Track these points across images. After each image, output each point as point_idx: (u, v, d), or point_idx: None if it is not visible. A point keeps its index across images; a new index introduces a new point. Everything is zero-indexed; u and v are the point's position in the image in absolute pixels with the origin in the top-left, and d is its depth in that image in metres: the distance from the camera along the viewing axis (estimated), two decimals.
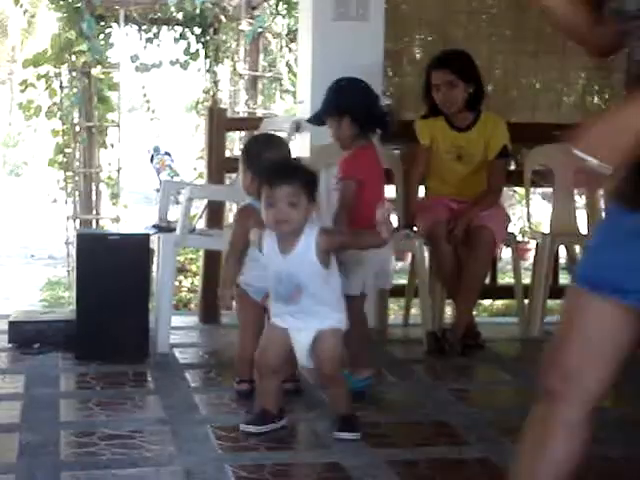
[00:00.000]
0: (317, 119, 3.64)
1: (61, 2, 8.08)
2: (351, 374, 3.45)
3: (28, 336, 4.14)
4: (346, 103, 3.52)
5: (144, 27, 9.09)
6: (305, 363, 3.10)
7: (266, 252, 3.04)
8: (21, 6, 8.86)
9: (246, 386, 3.47)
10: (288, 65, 9.11)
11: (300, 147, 4.71)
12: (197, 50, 9.06)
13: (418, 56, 5.23)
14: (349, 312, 3.20)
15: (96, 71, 8.19)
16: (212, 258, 4.87)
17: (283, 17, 9.23)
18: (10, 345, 4.13)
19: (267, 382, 3.12)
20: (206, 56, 9.13)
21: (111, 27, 8.67)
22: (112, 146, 8.67)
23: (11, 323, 4.18)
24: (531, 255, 5.35)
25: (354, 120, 3.49)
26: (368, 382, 3.54)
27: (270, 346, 3.10)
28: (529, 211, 5.09)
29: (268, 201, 2.95)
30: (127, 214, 8.75)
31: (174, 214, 4.92)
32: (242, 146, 3.19)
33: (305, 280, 2.99)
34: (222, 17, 8.75)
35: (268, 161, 3.20)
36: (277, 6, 9.03)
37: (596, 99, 5.49)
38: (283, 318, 3.08)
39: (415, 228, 4.37)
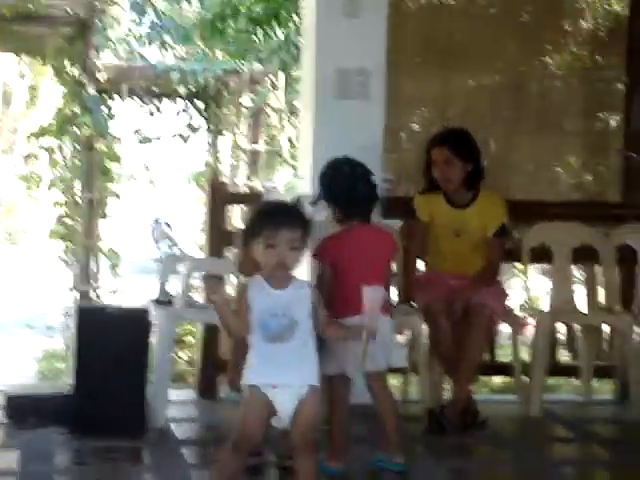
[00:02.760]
0: (313, 202, 3.70)
1: (65, 77, 8.20)
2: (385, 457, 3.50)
3: (24, 410, 4.11)
4: (328, 192, 3.64)
5: (146, 100, 9.22)
6: (287, 424, 2.97)
7: (254, 294, 2.97)
8: (25, 80, 8.99)
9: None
10: (289, 140, 9.21)
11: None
12: (199, 124, 9.17)
13: (417, 133, 5.31)
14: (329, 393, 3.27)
15: (99, 144, 8.27)
16: (211, 332, 4.86)
17: (285, 93, 9.36)
18: (6, 420, 4.10)
19: (235, 459, 2.97)
20: (208, 129, 9.24)
21: (113, 99, 8.79)
22: (112, 217, 8.71)
23: (7, 397, 4.16)
24: (530, 331, 5.34)
25: (338, 207, 3.61)
26: (402, 468, 3.52)
27: (253, 415, 2.95)
28: (527, 288, 5.11)
29: (269, 242, 2.95)
30: (126, 285, 8.75)
31: (174, 286, 4.94)
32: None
33: (300, 315, 2.96)
34: (224, 91, 8.88)
35: (269, 202, 3.21)
36: (278, 81, 9.16)
37: (592, 178, 5.55)
38: (264, 370, 2.94)
39: (414, 303, 4.37)
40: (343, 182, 3.63)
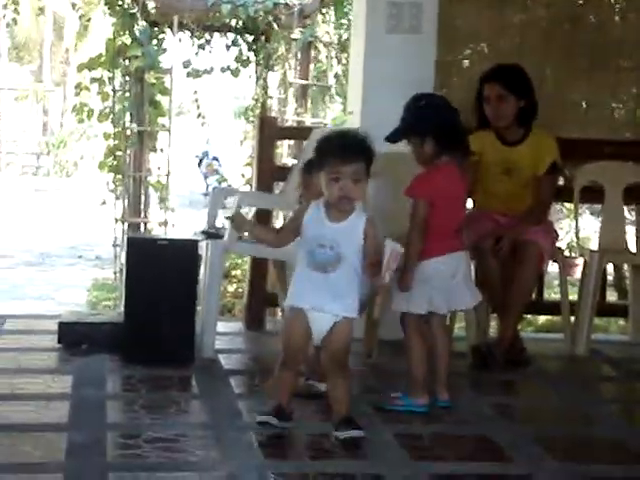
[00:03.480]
0: (395, 137, 3.65)
1: (117, 8, 8.19)
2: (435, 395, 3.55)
3: (77, 337, 4.21)
4: (429, 124, 3.54)
5: (197, 33, 9.18)
6: (319, 343, 3.14)
7: (310, 218, 3.08)
8: (77, 10, 9.00)
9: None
10: (336, 76, 9.14)
11: None
12: (248, 57, 9.13)
13: (468, 69, 5.23)
14: (408, 328, 3.38)
15: (148, 76, 8.28)
16: (258, 265, 4.91)
17: (335, 27, 9.26)
18: (59, 345, 4.20)
19: (287, 373, 3.14)
20: (257, 63, 9.19)
21: (164, 33, 8.77)
22: (162, 150, 8.77)
23: (60, 324, 4.25)
24: (578, 271, 5.31)
25: (437, 140, 3.53)
26: (446, 405, 3.57)
27: (296, 332, 3.11)
28: (578, 227, 5.06)
29: (334, 175, 3.00)
30: (174, 218, 8.84)
31: (222, 220, 4.97)
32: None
33: (348, 251, 3.03)
34: (274, 25, 8.81)
35: (334, 133, 3.20)
36: (329, 15, 9.06)
37: None
38: (306, 295, 3.07)
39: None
40: (444, 115, 3.55)
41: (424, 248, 3.49)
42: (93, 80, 8.41)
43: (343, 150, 3.03)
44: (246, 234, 4.82)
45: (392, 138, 3.66)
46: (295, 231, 3.16)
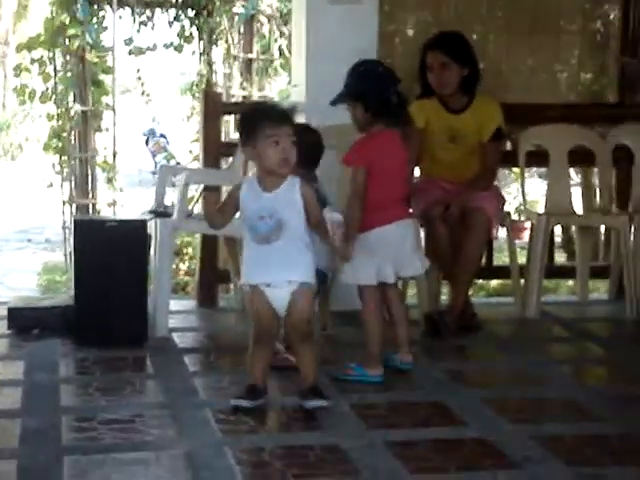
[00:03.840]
0: (334, 101, 3.68)
1: None
2: (394, 354, 3.62)
3: (27, 322, 4.17)
4: (359, 89, 3.57)
5: (137, 10, 9.06)
6: (282, 316, 3.17)
7: (245, 195, 3.10)
8: None
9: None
10: (280, 49, 9.09)
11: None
12: (191, 33, 9.04)
13: (411, 38, 5.23)
14: (364, 300, 3.42)
15: (90, 55, 8.16)
16: (209, 242, 4.89)
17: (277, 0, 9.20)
18: (9, 331, 4.16)
19: (261, 351, 3.18)
20: (200, 39, 9.11)
21: (104, 10, 8.64)
22: (107, 130, 8.66)
23: (10, 309, 4.21)
24: (527, 235, 5.38)
25: (365, 106, 3.54)
26: (409, 367, 3.64)
27: (261, 308, 3.14)
28: (524, 192, 5.11)
29: (274, 139, 3.01)
30: (123, 198, 8.75)
31: (171, 198, 4.94)
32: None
33: (287, 216, 3.06)
34: None
35: (262, 103, 3.24)
36: None
37: (589, 77, 5.49)
38: (257, 270, 3.11)
39: (410, 209, 4.38)
40: (377, 82, 3.56)
41: (368, 218, 3.49)
42: (33, 61, 8.28)
43: (278, 114, 3.07)
44: (195, 211, 4.81)
45: (333, 102, 3.68)
46: (232, 209, 3.19)
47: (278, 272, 3.09)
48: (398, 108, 3.57)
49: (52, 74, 8.26)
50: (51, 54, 8.21)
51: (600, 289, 5.52)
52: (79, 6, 8.00)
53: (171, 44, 9.13)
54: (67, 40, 8.09)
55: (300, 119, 4.60)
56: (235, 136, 8.16)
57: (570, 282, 6.62)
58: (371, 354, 3.54)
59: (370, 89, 3.54)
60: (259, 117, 3.07)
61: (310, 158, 3.64)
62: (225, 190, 6.00)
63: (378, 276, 3.53)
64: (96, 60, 8.33)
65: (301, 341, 3.16)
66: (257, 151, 3.06)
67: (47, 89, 8.35)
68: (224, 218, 3.23)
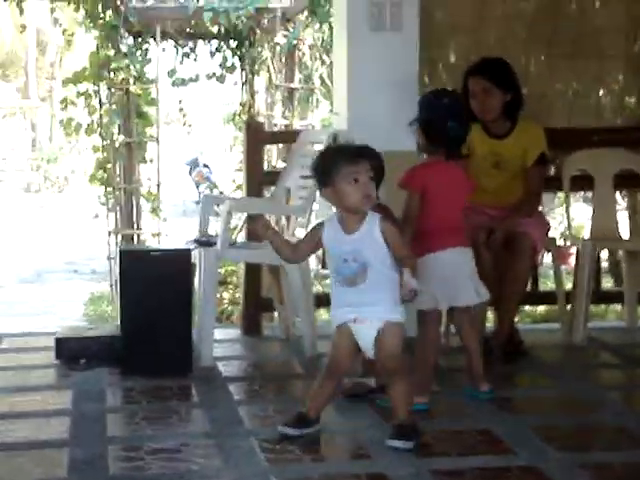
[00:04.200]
0: (411, 123, 3.75)
1: (99, 21, 8.19)
2: (472, 387, 3.63)
3: (74, 352, 4.21)
4: (422, 117, 3.66)
5: (180, 42, 9.19)
6: (370, 355, 3.16)
7: (328, 237, 3.10)
8: (60, 25, 9.00)
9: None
10: (321, 77, 9.15)
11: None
12: (233, 63, 9.13)
13: (452, 63, 5.24)
14: (418, 325, 3.43)
15: (134, 87, 8.28)
16: (253, 271, 4.91)
17: (317, 29, 9.27)
18: (57, 361, 4.20)
19: (327, 385, 3.17)
20: (242, 69, 9.20)
21: (148, 43, 8.78)
22: (151, 161, 8.76)
23: (57, 339, 4.25)
24: (573, 260, 5.32)
25: (426, 134, 3.62)
26: (489, 396, 3.62)
27: (341, 347, 3.15)
28: (569, 217, 5.07)
29: (354, 176, 3.02)
30: (167, 228, 8.84)
31: (214, 227, 4.97)
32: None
33: (370, 258, 3.05)
34: (257, 30, 8.81)
35: (336, 144, 3.23)
36: (311, 18, 9.07)
37: (634, 101, 5.45)
38: (343, 311, 3.12)
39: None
40: (439, 112, 3.62)
41: (424, 243, 3.52)
42: (79, 94, 8.42)
43: (353, 151, 3.07)
44: (239, 240, 4.83)
45: (410, 123, 3.76)
46: (311, 249, 3.22)
47: (364, 311, 3.08)
48: (454, 141, 3.61)
49: (97, 107, 8.39)
50: (96, 87, 8.35)
51: None
52: (123, 40, 8.12)
53: (213, 75, 9.23)
54: (112, 73, 8.22)
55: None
56: (279, 164, 8.21)
57: (618, 307, 6.53)
58: (419, 380, 3.52)
59: (430, 118, 3.61)
60: (335, 157, 3.07)
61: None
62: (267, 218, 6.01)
63: (431, 302, 3.52)
64: (140, 92, 8.45)
65: (391, 377, 3.13)
66: (336, 191, 3.05)
67: (92, 121, 8.49)
68: (298, 254, 3.22)
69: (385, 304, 3.09)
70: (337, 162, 3.05)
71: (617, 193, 5.16)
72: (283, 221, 5.30)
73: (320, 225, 3.17)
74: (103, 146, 8.45)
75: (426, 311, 3.53)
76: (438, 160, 3.62)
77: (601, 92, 5.37)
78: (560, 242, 7.18)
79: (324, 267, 8.17)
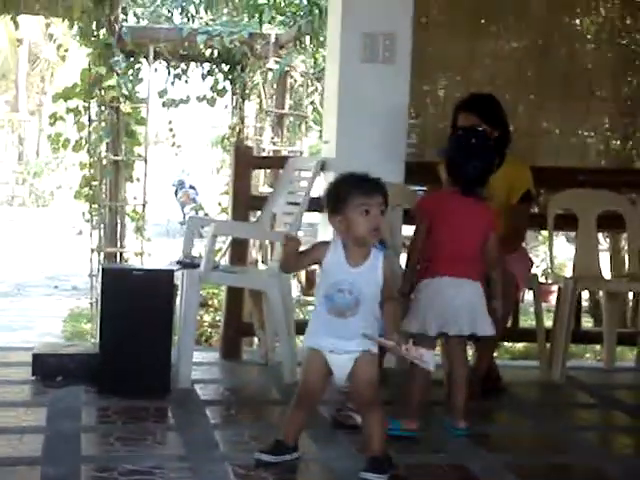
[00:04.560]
0: (439, 154, 3.87)
1: (92, 38, 8.20)
2: (450, 421, 3.61)
3: (51, 369, 4.17)
4: (446, 152, 3.73)
5: (172, 63, 9.22)
6: (341, 383, 3.16)
7: (330, 261, 3.09)
8: (54, 41, 9.01)
9: None
10: (312, 104, 9.19)
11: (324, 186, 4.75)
12: (224, 87, 9.17)
13: (442, 98, 5.28)
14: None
15: (125, 106, 8.29)
16: (235, 294, 4.90)
17: (310, 57, 9.32)
18: (33, 377, 4.17)
19: (300, 412, 3.16)
20: (233, 93, 9.23)
21: (140, 63, 8.80)
22: (138, 180, 8.75)
23: (35, 355, 4.22)
24: (554, 298, 5.34)
25: (448, 169, 3.70)
26: (465, 433, 3.60)
27: (313, 372, 3.13)
28: (552, 255, 5.10)
29: (365, 208, 3.03)
30: (151, 247, 8.81)
31: (198, 249, 4.97)
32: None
33: (366, 293, 3.06)
34: (250, 55, 8.86)
35: (352, 173, 3.21)
36: (303, 45, 9.12)
37: (619, 143, 5.50)
38: (323, 338, 3.09)
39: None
40: (464, 151, 3.67)
41: (426, 269, 3.59)
42: (69, 110, 8.41)
43: (369, 183, 3.08)
44: (222, 263, 4.83)
45: (437, 153, 3.89)
46: (310, 262, 3.22)
47: (344, 343, 3.07)
48: (472, 182, 3.65)
49: (86, 123, 8.38)
50: (86, 104, 8.34)
51: (627, 356, 5.46)
52: (116, 58, 8.14)
53: (204, 97, 9.27)
54: (103, 91, 8.22)
55: (329, 176, 4.65)
56: (265, 189, 8.22)
57: (597, 347, 6.56)
58: (408, 406, 3.54)
59: (454, 156, 3.68)
60: (351, 186, 3.08)
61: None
62: (252, 244, 6.02)
63: (420, 326, 3.53)
64: (130, 111, 8.45)
65: (366, 408, 3.11)
66: (346, 220, 3.06)
67: (81, 138, 8.47)
68: (298, 266, 3.31)
69: (360, 338, 3.07)
70: (351, 192, 3.05)
71: (600, 234, 5.19)
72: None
73: (325, 244, 3.15)
74: (90, 163, 8.43)
75: (415, 335, 3.52)
76: (452, 192, 3.66)
77: (587, 133, 5.43)
78: (542, 279, 7.23)
79: (305, 294, 8.18)
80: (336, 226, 3.11)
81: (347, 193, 3.06)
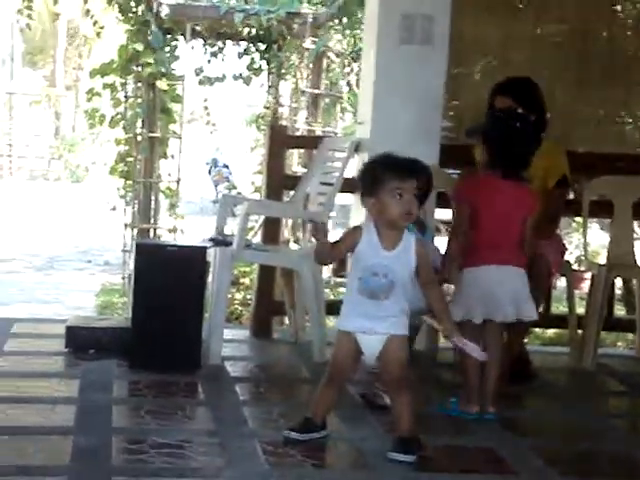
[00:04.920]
0: (471, 134, 3.81)
1: (130, 15, 8.23)
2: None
3: (84, 341, 4.22)
4: (489, 134, 3.65)
5: (209, 41, 9.22)
6: (372, 363, 3.18)
7: (363, 246, 3.09)
8: (92, 17, 9.05)
9: None
10: (349, 84, 9.16)
11: (358, 167, 4.75)
12: (260, 66, 9.16)
13: (479, 81, 5.25)
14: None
15: (161, 83, 8.32)
16: (266, 273, 4.92)
17: (346, 37, 9.29)
18: (66, 350, 4.22)
19: (329, 390, 3.18)
20: (269, 72, 9.22)
21: (177, 40, 8.81)
22: (172, 157, 8.79)
23: (68, 328, 4.27)
24: (587, 285, 5.30)
25: (489, 152, 3.62)
26: (493, 418, 3.60)
27: (343, 353, 3.16)
28: (586, 242, 5.06)
29: (398, 191, 3.03)
30: (183, 224, 8.86)
31: (231, 227, 4.99)
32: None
33: (400, 278, 3.07)
34: (287, 34, 8.84)
35: (389, 154, 3.20)
36: (341, 26, 9.09)
37: None
38: (355, 320, 3.11)
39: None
40: (508, 135, 3.63)
41: (471, 257, 3.55)
42: (105, 86, 8.45)
43: (404, 167, 3.08)
44: (254, 241, 4.84)
45: (468, 134, 3.83)
46: (346, 250, 3.17)
47: (376, 324, 3.09)
48: (515, 165, 3.61)
49: (122, 100, 8.43)
50: (123, 80, 8.38)
51: None
52: (153, 35, 8.16)
53: (240, 76, 9.26)
54: (139, 67, 8.25)
55: (363, 157, 4.65)
56: (299, 169, 8.23)
57: (629, 336, 6.51)
58: (466, 391, 3.58)
59: (497, 139, 3.61)
60: (385, 169, 3.08)
61: (420, 198, 3.70)
62: (285, 223, 6.02)
63: (466, 313, 3.54)
64: (166, 88, 8.48)
65: (396, 389, 3.14)
66: (379, 202, 3.06)
67: (117, 114, 8.52)
68: (334, 255, 3.21)
69: (397, 318, 3.10)
70: (386, 174, 3.05)
71: (635, 222, 5.14)
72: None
73: (358, 229, 3.15)
74: (125, 139, 8.48)
75: (461, 322, 3.53)
76: (493, 176, 3.61)
77: (626, 119, 5.37)
78: (575, 266, 7.17)
79: (336, 275, 8.18)
80: (369, 208, 3.12)
81: (381, 176, 3.06)
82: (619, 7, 5.37)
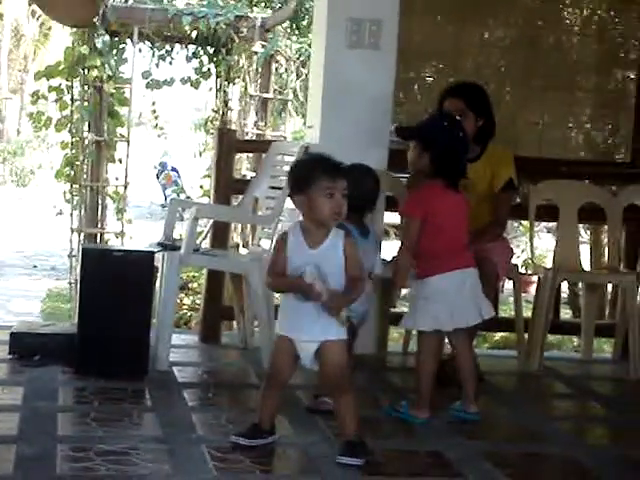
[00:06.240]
0: (404, 134, 3.76)
1: None
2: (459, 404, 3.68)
3: (29, 348, 4.15)
4: (436, 140, 3.59)
5: (157, 44, 9.14)
6: (308, 365, 3.16)
7: (290, 246, 3.10)
8: (37, 19, 8.93)
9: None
10: (295, 90, 9.15)
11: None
12: (209, 69, 9.11)
13: (428, 84, 5.28)
14: (419, 345, 3.49)
15: (108, 86, 8.23)
16: (215, 278, 4.89)
17: (295, 41, 9.28)
18: (10, 356, 4.15)
19: (270, 394, 3.18)
20: (217, 76, 9.18)
21: (125, 43, 8.72)
22: (120, 161, 8.70)
23: (12, 334, 4.20)
24: (533, 288, 5.36)
25: (433, 159, 3.58)
26: (476, 417, 3.67)
27: (280, 357, 3.16)
28: (533, 245, 5.11)
29: (329, 191, 3.03)
30: (131, 229, 8.78)
31: (179, 231, 4.95)
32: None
33: (329, 274, 3.05)
34: (235, 38, 8.80)
35: (319, 154, 3.20)
36: (290, 30, 9.08)
37: (602, 135, 5.52)
38: (289, 323, 3.12)
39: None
40: (454, 143, 3.61)
41: (427, 266, 3.56)
42: (51, 89, 8.34)
43: (335, 167, 3.08)
44: (203, 246, 4.81)
45: (401, 134, 3.76)
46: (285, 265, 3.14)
47: (311, 329, 3.08)
48: (459, 175, 3.63)
49: (69, 103, 8.32)
50: (69, 83, 8.27)
51: (605, 348, 5.49)
52: (100, 38, 8.07)
53: (188, 79, 9.20)
54: (86, 70, 8.15)
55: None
56: (247, 173, 8.19)
57: (575, 339, 6.60)
58: (419, 397, 3.61)
59: (446, 146, 3.58)
60: (315, 168, 3.08)
61: (367, 202, 3.73)
62: (233, 227, 5.98)
63: (435, 323, 3.56)
64: (113, 91, 8.39)
65: (337, 393, 3.14)
66: (309, 200, 3.06)
67: (63, 117, 8.41)
68: (278, 274, 3.14)
69: (327, 321, 3.07)
70: (316, 173, 3.06)
71: (580, 226, 5.21)
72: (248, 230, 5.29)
73: (285, 235, 3.16)
74: (72, 143, 8.37)
75: (421, 332, 3.58)
76: (437, 186, 3.60)
77: (570, 124, 5.44)
78: (522, 270, 7.25)
79: None
80: (298, 205, 3.12)
81: (313, 175, 3.06)
82: (566, 13, 5.44)
